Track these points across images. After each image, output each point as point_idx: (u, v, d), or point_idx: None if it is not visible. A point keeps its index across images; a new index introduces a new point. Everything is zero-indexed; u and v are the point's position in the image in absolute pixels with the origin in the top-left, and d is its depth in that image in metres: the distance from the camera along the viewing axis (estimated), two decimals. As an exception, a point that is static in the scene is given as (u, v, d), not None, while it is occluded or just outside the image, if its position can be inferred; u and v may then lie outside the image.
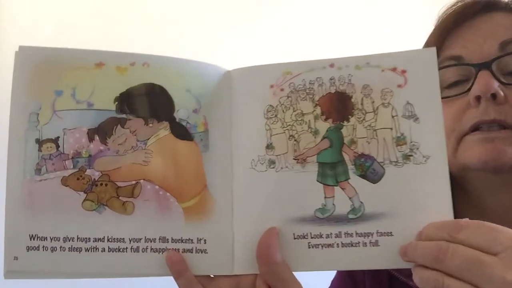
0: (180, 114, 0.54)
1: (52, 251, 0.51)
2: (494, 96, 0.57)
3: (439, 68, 0.61)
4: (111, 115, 0.53)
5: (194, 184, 0.54)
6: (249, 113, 0.56)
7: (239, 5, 1.76)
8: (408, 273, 0.49)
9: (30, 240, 0.51)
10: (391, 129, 0.53)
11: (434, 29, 0.65)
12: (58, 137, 0.52)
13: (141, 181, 0.53)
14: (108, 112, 0.53)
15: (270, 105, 0.56)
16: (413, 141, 0.52)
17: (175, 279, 0.52)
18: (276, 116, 0.56)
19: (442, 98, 0.62)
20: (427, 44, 0.66)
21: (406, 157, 0.52)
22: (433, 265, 0.43)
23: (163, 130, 0.54)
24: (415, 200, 0.51)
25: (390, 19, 1.80)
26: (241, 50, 1.63)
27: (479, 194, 0.61)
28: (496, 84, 0.57)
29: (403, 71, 0.53)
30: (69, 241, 0.51)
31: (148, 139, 0.53)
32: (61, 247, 0.51)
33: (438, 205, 0.50)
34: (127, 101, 0.53)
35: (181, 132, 0.54)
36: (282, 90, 0.56)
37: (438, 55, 0.63)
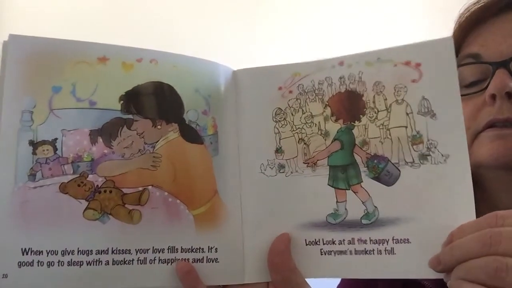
0: (189, 115, 0.51)
1: (48, 266, 0.46)
2: (509, 94, 0.56)
3: (458, 66, 0.59)
4: (116, 115, 0.48)
5: (205, 190, 0.51)
6: (257, 116, 0.55)
7: (245, 2, 1.70)
8: None
9: (23, 254, 0.45)
10: (406, 127, 0.50)
11: (455, 27, 0.65)
12: (56, 139, 0.47)
13: (149, 187, 0.49)
14: (112, 112, 0.48)
15: (279, 108, 0.55)
16: (430, 139, 0.49)
17: (186, 290, 0.49)
18: (285, 119, 0.54)
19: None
20: None
21: (423, 156, 0.49)
22: (484, 252, 0.41)
23: (172, 133, 0.50)
24: (434, 204, 0.48)
25: (397, 15, 1.79)
26: (247, 49, 1.57)
27: (493, 192, 0.62)
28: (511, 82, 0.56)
29: (418, 64, 0.50)
30: (69, 254, 0.46)
31: (157, 142, 0.50)
32: (59, 261, 0.46)
33: (460, 209, 0.47)
34: (134, 100, 0.49)
35: (191, 134, 0.51)
36: (290, 92, 0.55)
37: (458, 53, 0.63)
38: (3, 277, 0.45)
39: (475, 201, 0.55)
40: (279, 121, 0.54)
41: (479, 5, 0.63)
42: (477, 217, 0.47)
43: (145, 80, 0.50)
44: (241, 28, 1.67)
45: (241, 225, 0.52)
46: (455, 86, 0.49)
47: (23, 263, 0.45)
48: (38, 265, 0.45)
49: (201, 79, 0.52)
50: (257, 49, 1.59)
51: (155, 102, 0.50)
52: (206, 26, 1.62)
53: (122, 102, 0.49)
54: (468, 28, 0.63)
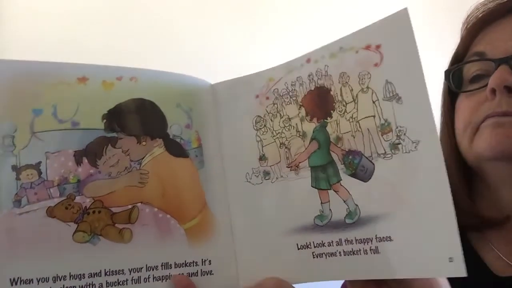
0: (173, 130, 0.51)
1: None
2: (508, 89, 0.57)
3: (463, 63, 0.61)
4: (100, 135, 0.48)
5: (195, 203, 0.51)
6: (238, 127, 0.55)
7: (245, 3, 1.67)
8: None
9: (12, 285, 0.43)
10: (374, 116, 0.47)
11: (463, 27, 0.67)
12: (40, 162, 0.46)
13: (138, 204, 0.48)
14: (96, 131, 0.48)
15: (258, 116, 0.55)
16: (398, 126, 0.46)
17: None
18: (265, 126, 0.55)
19: (464, 92, 0.63)
20: (459, 43, 0.67)
21: (394, 146, 0.46)
22: None
23: (158, 148, 0.50)
24: (410, 196, 0.44)
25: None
26: (247, 49, 1.51)
27: (496, 186, 0.62)
28: (511, 77, 0.57)
29: (378, 46, 0.47)
30: (61, 280, 0.45)
31: (143, 158, 0.49)
32: None
33: (435, 198, 0.43)
34: (117, 118, 0.49)
35: (176, 149, 0.51)
36: (267, 98, 0.55)
37: (467, 52, 0.65)
38: (-8, 310, 0.43)
39: (479, 198, 0.55)
40: (260, 128, 0.55)
41: (488, 7, 0.64)
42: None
43: (126, 98, 0.50)
44: (240, 28, 1.63)
45: (231, 235, 0.52)
46: (417, 64, 0.44)
47: (13, 294, 0.43)
48: None
49: (181, 93, 0.53)
50: (257, 49, 1.54)
51: (139, 119, 0.50)
52: (206, 26, 1.58)
53: (105, 120, 0.48)
54: (476, 28, 0.65)
